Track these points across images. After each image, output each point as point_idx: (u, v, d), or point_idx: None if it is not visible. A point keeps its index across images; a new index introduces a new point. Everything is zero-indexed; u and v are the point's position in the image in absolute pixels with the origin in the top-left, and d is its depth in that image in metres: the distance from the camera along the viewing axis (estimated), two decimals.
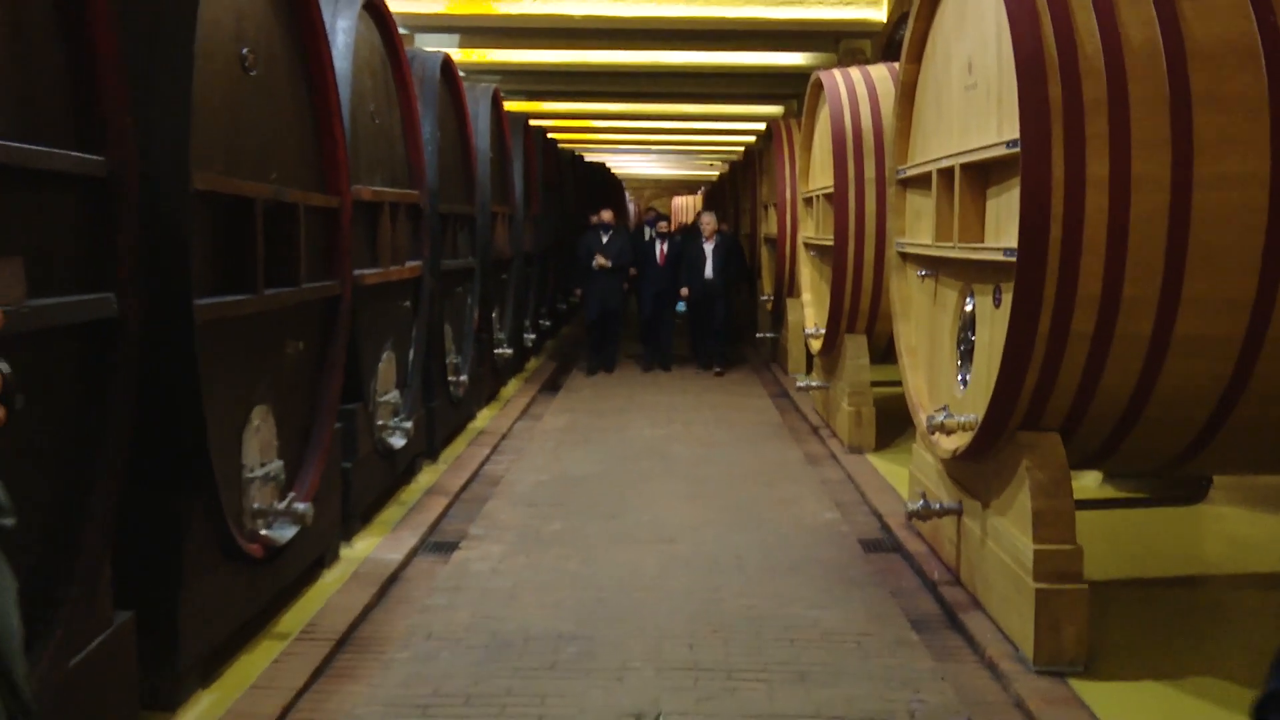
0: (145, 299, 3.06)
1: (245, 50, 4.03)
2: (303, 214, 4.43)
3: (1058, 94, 3.73)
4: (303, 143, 4.71)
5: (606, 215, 12.66)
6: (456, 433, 8.25)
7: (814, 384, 8.95)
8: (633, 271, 12.88)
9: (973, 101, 4.55)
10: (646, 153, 26.16)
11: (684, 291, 12.45)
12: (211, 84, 3.70)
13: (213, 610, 3.76)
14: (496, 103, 9.83)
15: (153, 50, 3.32)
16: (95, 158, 2.79)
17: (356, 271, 5.31)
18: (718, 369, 12.34)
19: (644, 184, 38.09)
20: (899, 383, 5.73)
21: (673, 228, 14.22)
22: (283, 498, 4.38)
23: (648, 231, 14.12)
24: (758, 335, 13.61)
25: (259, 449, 4.22)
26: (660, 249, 12.60)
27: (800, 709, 3.74)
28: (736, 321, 14.23)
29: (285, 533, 4.31)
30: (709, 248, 12.23)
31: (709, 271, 12.18)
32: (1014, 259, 3.83)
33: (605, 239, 12.43)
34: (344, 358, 5.02)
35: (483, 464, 7.50)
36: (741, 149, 18.88)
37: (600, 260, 12.21)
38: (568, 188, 16.31)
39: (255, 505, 4.18)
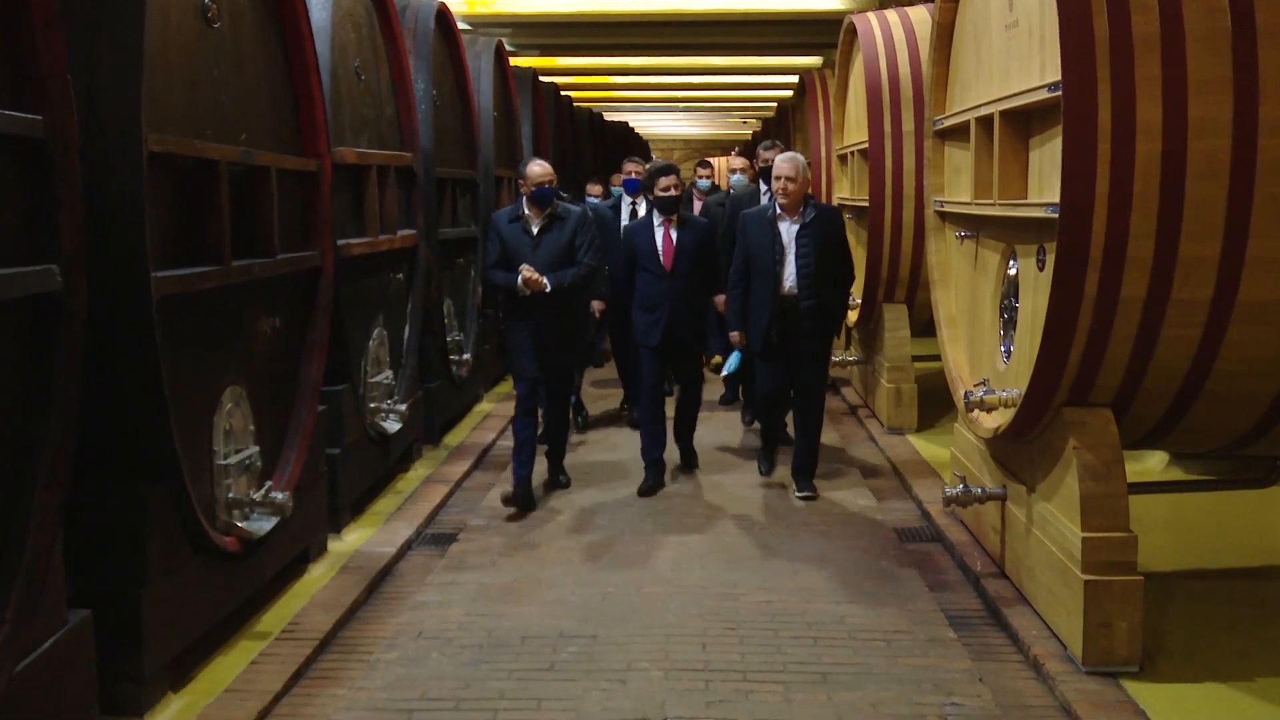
0: (95, 271, 3.06)
1: (208, 0, 4.01)
2: (275, 178, 4.42)
3: (1104, 29, 3.62)
4: (277, 102, 4.69)
5: (537, 170, 6.09)
6: (460, 416, 8.25)
7: (851, 359, 8.87)
8: (598, 307, 7.73)
9: (1014, 42, 4.45)
10: (673, 110, 26.02)
11: (735, 335, 6.44)
12: (168, 37, 3.68)
13: (182, 608, 3.78)
14: (501, 57, 9.76)
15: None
16: (31, 116, 2.77)
17: (340, 241, 5.30)
18: (805, 493, 6.34)
19: (672, 144, 37.93)
20: None
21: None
22: (260, 487, 4.39)
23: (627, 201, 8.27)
24: None
25: (232, 434, 4.22)
26: (665, 234, 6.58)
27: (819, 714, 3.71)
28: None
29: (263, 525, 4.31)
30: (789, 230, 6.08)
31: (790, 280, 6.07)
32: (1057, 215, 3.74)
33: (536, 227, 6.10)
34: (326, 335, 5.01)
35: (487, 450, 7.50)
36: (775, 105, 18.72)
37: (528, 275, 5.91)
38: (585, 149, 16.24)
39: (230, 495, 4.20)
